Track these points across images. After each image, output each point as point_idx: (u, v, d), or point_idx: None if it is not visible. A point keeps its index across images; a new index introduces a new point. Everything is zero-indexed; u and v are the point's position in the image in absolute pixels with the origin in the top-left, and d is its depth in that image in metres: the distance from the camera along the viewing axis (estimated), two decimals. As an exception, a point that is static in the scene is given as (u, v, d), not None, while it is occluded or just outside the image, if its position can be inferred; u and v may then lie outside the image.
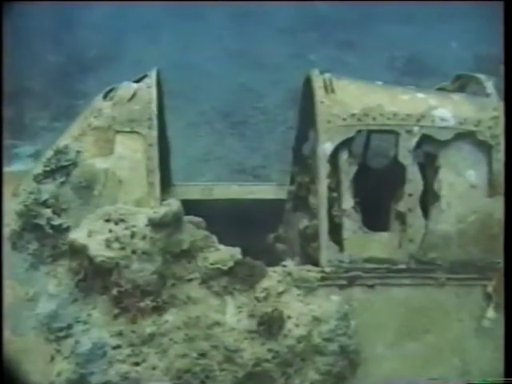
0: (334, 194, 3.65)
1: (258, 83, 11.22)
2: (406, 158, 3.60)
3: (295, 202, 4.47)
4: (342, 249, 3.55)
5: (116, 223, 3.40)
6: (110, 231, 3.36)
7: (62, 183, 3.57)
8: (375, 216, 3.70)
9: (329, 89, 3.70)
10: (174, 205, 3.40)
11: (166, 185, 4.72)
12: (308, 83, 3.94)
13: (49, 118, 10.34)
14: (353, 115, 3.63)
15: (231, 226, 4.73)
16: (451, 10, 11.46)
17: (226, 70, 11.40)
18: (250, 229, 4.71)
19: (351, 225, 3.60)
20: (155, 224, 3.33)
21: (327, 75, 3.82)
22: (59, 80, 11.33)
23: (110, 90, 3.88)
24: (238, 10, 12.19)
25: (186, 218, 3.55)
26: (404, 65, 11.91)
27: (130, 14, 11.85)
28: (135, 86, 3.73)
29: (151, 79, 3.75)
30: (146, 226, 3.35)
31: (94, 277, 3.37)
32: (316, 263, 3.61)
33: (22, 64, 10.35)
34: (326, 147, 3.62)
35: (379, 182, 4.01)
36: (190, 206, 4.67)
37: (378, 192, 3.97)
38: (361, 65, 11.89)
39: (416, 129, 3.62)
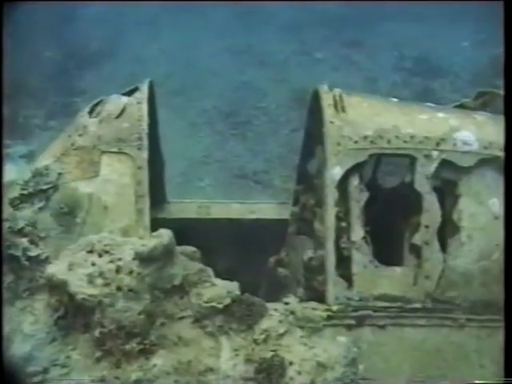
0: (343, 224, 3.31)
1: (260, 82, 10.84)
2: (423, 186, 3.25)
3: (299, 225, 4.13)
4: (350, 285, 3.25)
5: (100, 255, 3.07)
6: (93, 264, 3.03)
7: (41, 209, 3.24)
8: (387, 247, 3.37)
9: (339, 107, 3.35)
10: (164, 236, 3.06)
11: (160, 202, 4.39)
12: (316, 98, 3.58)
13: (44, 116, 9.98)
14: (365, 137, 3.28)
15: (229, 247, 4.43)
16: (463, 8, 11.04)
17: (228, 67, 11.00)
18: (250, 250, 4.41)
19: (361, 258, 3.27)
20: (143, 258, 2.99)
21: (337, 91, 3.45)
22: (56, 76, 10.94)
23: (97, 104, 3.52)
24: (241, 6, 11.77)
25: (179, 248, 3.21)
26: (413, 64, 11.50)
27: (130, 10, 11.44)
28: (125, 100, 3.38)
29: (142, 93, 3.39)
30: (134, 259, 3.01)
31: (75, 314, 3.06)
32: (321, 298, 3.30)
33: (18, 59, 9.96)
34: (335, 172, 3.28)
35: (390, 206, 3.66)
36: (185, 225, 4.37)
37: (388, 217, 3.63)
38: (368, 64, 11.50)
39: (435, 153, 3.27)
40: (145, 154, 3.25)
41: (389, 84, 11.03)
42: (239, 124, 9.70)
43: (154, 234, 3.09)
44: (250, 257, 4.46)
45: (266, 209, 4.46)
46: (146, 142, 3.25)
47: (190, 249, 3.31)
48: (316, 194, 3.90)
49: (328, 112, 3.32)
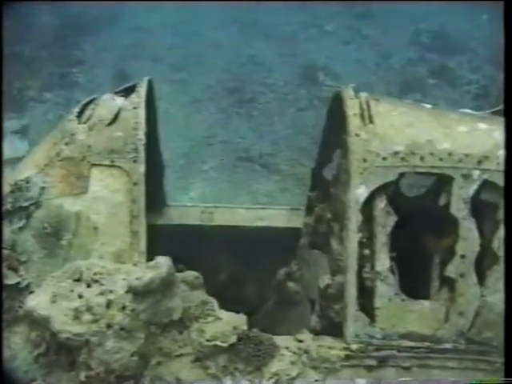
0: (366, 251, 2.90)
1: (267, 56, 10.27)
2: (460, 211, 2.83)
3: (313, 238, 3.72)
4: (372, 320, 2.87)
5: (88, 285, 2.68)
6: (80, 297, 2.65)
7: (21, 228, 2.83)
8: (414, 277, 2.97)
9: (366, 116, 2.90)
10: (162, 267, 2.66)
11: (160, 206, 3.98)
12: (337, 101, 3.13)
13: (39, 88, 9.44)
14: (395, 153, 2.85)
15: (234, 256, 4.04)
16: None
17: (233, 40, 10.40)
18: (257, 260, 4.02)
19: (386, 290, 2.87)
20: (138, 293, 2.60)
21: (364, 96, 2.99)
22: (52, 44, 10.35)
23: (88, 104, 3.06)
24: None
25: (179, 275, 2.82)
26: (430, 40, 10.89)
27: (132, -23, 10.78)
28: (119, 103, 2.92)
29: (139, 96, 2.93)
30: (127, 292, 2.62)
31: (59, 352, 2.68)
32: (338, 329, 2.92)
33: (10, 25, 9.37)
34: (360, 193, 2.85)
35: (419, 230, 3.23)
36: (186, 231, 3.97)
37: (416, 243, 3.21)
38: (381, 38, 10.91)
39: (476, 173, 2.84)
40: (141, 168, 2.81)
41: (403, 60, 10.47)
42: (244, 102, 9.20)
43: (151, 263, 2.69)
44: (256, 267, 4.09)
45: (276, 215, 4.04)
46: (142, 154, 2.82)
47: (192, 275, 2.92)
48: (333, 205, 3.49)
49: (354, 123, 2.88)
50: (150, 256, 2.83)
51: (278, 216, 4.05)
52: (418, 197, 3.46)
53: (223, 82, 9.62)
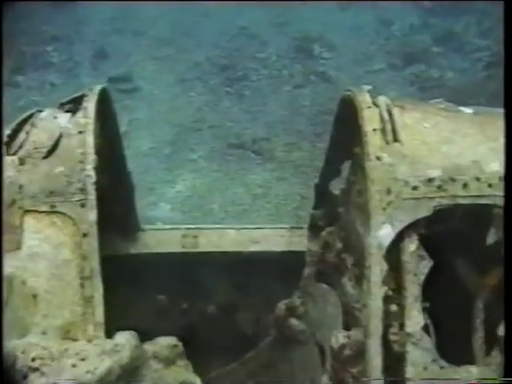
0: (393, 307, 2.22)
1: (259, 27, 9.45)
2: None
3: (319, 269, 3.03)
4: (403, 395, 2.18)
5: (25, 376, 2.00)
6: (14, 393, 1.97)
7: None
8: (451, 330, 2.31)
9: (389, 132, 2.18)
10: (124, 349, 1.98)
11: (133, 231, 3.29)
12: (347, 107, 2.42)
13: (9, 70, 8.61)
14: (430, 181, 2.14)
15: (224, 287, 3.39)
16: None
17: (223, 10, 9.55)
18: (252, 291, 3.36)
19: (420, 356, 2.21)
20: (90, 388, 1.93)
21: (383, 102, 2.27)
22: (23, 19, 9.47)
23: (24, 122, 2.34)
24: None
25: (149, 348, 2.15)
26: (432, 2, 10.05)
27: None
28: (61, 123, 2.19)
29: (87, 116, 2.20)
30: (76, 385, 1.95)
31: None
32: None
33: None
34: (383, 235, 2.16)
35: (457, 274, 2.55)
36: (164, 260, 3.32)
37: (449, 280, 2.53)
38: (382, 2, 10.02)
39: (537, 203, 2.13)
40: (92, 215, 2.11)
41: (405, 27, 9.66)
42: (235, 80, 8.44)
43: (108, 345, 2.00)
44: (250, 298, 3.43)
45: (273, 237, 3.36)
46: (93, 196, 2.11)
47: (167, 344, 2.24)
48: (343, 232, 2.81)
49: (373, 142, 2.16)
50: (118, 306, 2.20)
51: (276, 238, 3.36)
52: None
53: (212, 58, 8.84)
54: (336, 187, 3.07)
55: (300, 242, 3.32)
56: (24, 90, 8.46)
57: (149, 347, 2.18)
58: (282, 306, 3.32)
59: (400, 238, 2.17)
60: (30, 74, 8.80)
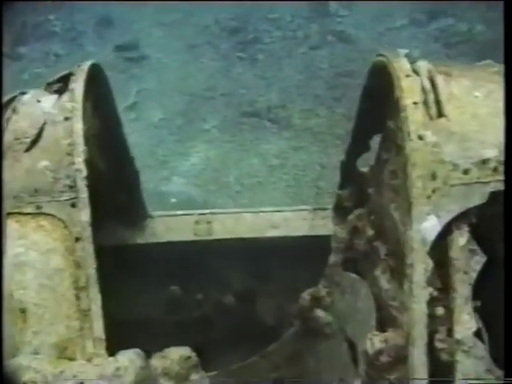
0: (439, 311, 1.91)
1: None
2: None
3: (347, 257, 2.72)
4: (454, 409, 1.90)
5: (15, 403, 1.73)
6: (4, 423, 1.70)
7: None
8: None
9: (433, 105, 1.82)
10: (128, 373, 1.69)
11: (140, 218, 3.00)
12: (379, 74, 2.07)
13: (11, 42, 8.25)
14: (484, 162, 1.79)
15: (242, 276, 3.12)
16: None
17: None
18: (272, 281, 3.08)
19: (473, 366, 1.90)
20: (88, 421, 1.65)
21: (425, 68, 1.91)
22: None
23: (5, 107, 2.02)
24: None
25: (158, 365, 1.87)
26: None
27: None
28: (45, 107, 1.86)
29: (75, 99, 1.87)
30: (73, 415, 1.68)
31: None
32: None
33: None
34: (428, 227, 1.82)
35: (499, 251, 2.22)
36: (176, 249, 3.04)
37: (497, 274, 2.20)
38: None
39: None
40: (85, 215, 1.79)
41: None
42: (247, 43, 8.00)
43: (110, 368, 1.71)
44: (271, 286, 3.15)
45: (294, 220, 3.04)
46: (85, 194, 1.79)
47: (179, 355, 1.96)
48: (374, 216, 2.49)
49: (414, 117, 1.81)
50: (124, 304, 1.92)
51: (297, 221, 3.04)
52: None
53: (222, 22, 8.39)
54: (364, 165, 2.74)
55: (324, 225, 3.01)
56: (27, 62, 8.11)
57: (157, 363, 1.90)
58: (306, 295, 3.02)
59: (448, 230, 1.85)
60: (32, 45, 8.44)
